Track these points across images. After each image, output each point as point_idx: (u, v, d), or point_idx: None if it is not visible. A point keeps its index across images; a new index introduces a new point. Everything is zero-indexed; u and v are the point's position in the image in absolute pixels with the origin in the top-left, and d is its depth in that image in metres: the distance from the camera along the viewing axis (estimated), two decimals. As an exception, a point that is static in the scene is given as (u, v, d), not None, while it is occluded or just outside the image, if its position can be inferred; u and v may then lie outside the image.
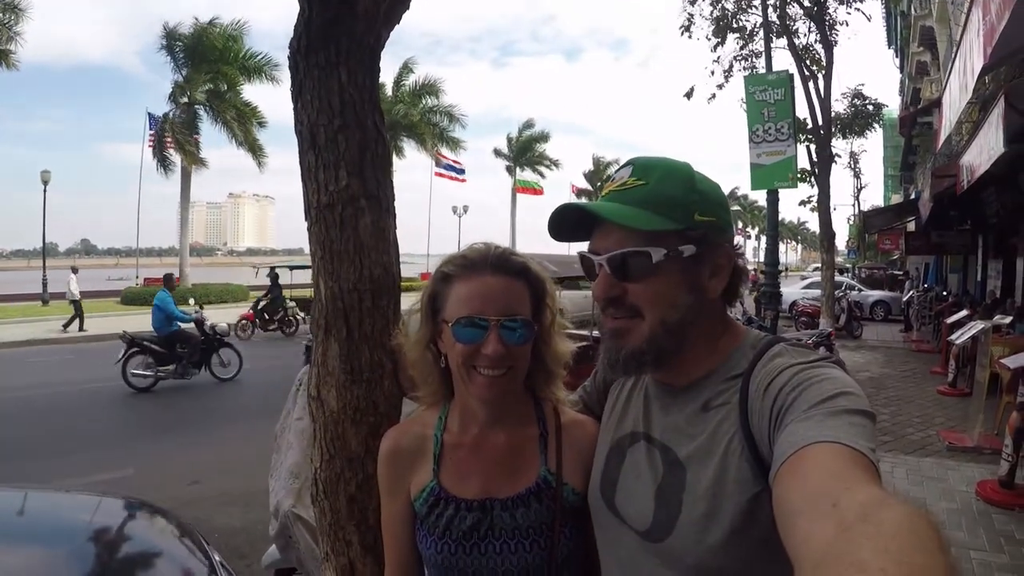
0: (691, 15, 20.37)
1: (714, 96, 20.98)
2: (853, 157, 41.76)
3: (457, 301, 1.43)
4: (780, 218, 19.71)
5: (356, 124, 1.67)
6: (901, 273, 36.08)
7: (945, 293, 22.06)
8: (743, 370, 1.24)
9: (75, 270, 23.57)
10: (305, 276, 20.54)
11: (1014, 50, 5.51)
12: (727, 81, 20.79)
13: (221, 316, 24.88)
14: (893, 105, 38.57)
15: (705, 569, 1.17)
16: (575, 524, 1.50)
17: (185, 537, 3.08)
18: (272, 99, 34.25)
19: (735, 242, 1.35)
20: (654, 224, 1.22)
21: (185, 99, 32.10)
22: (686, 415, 1.29)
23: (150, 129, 32.72)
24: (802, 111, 19.24)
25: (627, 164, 1.33)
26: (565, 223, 1.36)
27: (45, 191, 30.87)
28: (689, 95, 21.30)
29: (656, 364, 1.29)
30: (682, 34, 20.54)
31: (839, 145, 23.76)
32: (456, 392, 1.53)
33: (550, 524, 1.46)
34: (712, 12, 20.17)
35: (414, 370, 1.57)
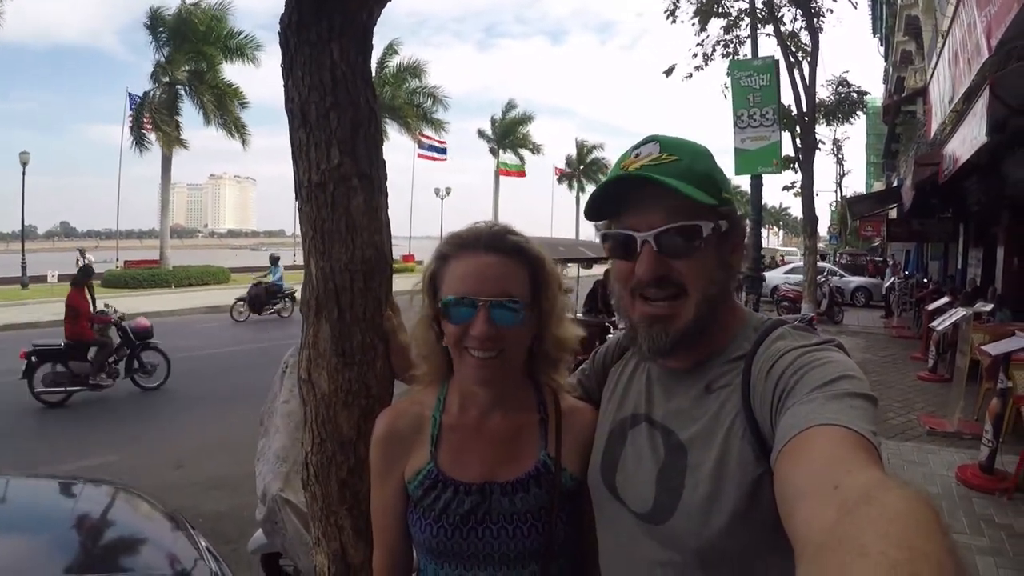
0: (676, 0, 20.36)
1: (691, 76, 21.06)
2: (836, 144, 42.03)
3: (451, 280, 1.41)
4: (763, 203, 19.76)
5: (348, 102, 1.64)
6: (880, 260, 36.30)
7: (926, 280, 22.22)
8: (745, 352, 1.24)
9: (82, 252, 23.29)
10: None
11: (1020, 33, 5.53)
12: (707, 64, 20.86)
13: (203, 298, 24.80)
14: (877, 93, 38.75)
15: (707, 552, 1.17)
16: (571, 509, 1.49)
17: (171, 522, 3.06)
18: (253, 80, 34.00)
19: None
20: (704, 197, 1.20)
21: (167, 79, 31.72)
22: (689, 397, 1.29)
23: (130, 110, 32.32)
24: (787, 97, 19.32)
25: (650, 140, 1.29)
26: (599, 199, 1.32)
27: (24, 173, 30.49)
28: (668, 72, 21.32)
29: (697, 341, 1.28)
30: (667, 18, 20.55)
31: (823, 132, 23.86)
32: (455, 372, 1.51)
33: (548, 509, 1.45)
34: (697, -3, 20.18)
35: (416, 346, 1.55)
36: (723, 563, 1.17)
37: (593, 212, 1.35)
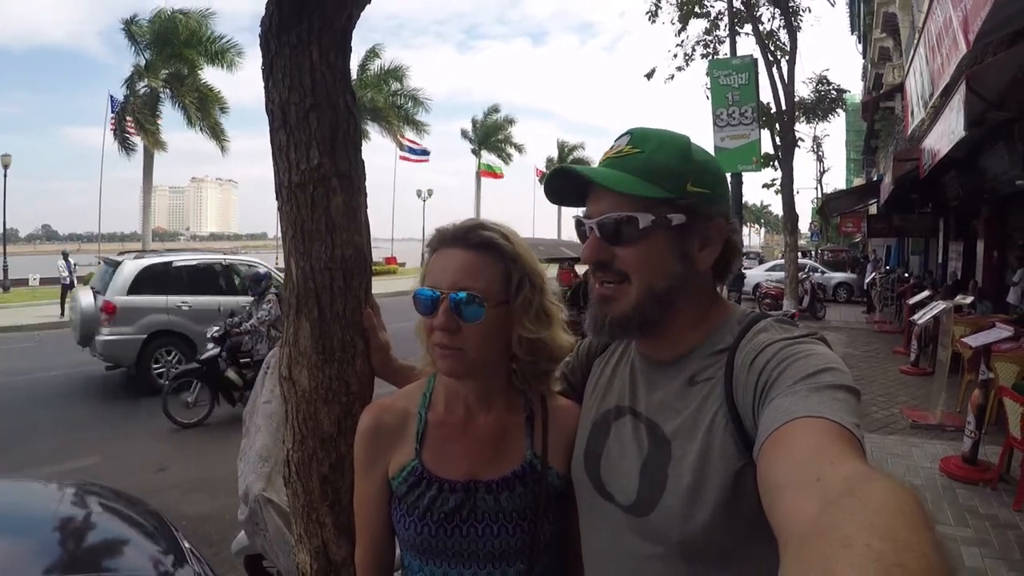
0: (658, 0, 20.47)
1: (672, 77, 21.27)
2: (816, 141, 42.29)
3: (425, 274, 1.45)
4: (743, 201, 19.86)
5: (328, 103, 1.65)
6: (862, 257, 36.57)
7: (907, 275, 22.37)
8: (728, 345, 1.25)
9: (66, 255, 23.23)
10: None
11: (995, 26, 5.57)
12: (688, 65, 20.98)
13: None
14: (856, 90, 39.06)
15: (689, 545, 1.18)
16: (558, 508, 1.49)
17: (154, 524, 3.05)
18: (234, 82, 33.79)
19: (729, 217, 1.35)
20: (644, 191, 1.23)
21: (144, 84, 31.43)
22: (672, 390, 1.29)
23: (112, 112, 32.04)
24: (766, 96, 19.44)
25: (626, 133, 1.33)
26: (560, 187, 1.37)
27: (5, 176, 30.26)
28: (650, 76, 21.47)
29: (640, 331, 1.31)
30: (651, 20, 20.64)
31: (802, 129, 24.03)
32: None
33: (533, 508, 1.45)
34: (677, -3, 20.28)
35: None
36: (706, 555, 1.17)
37: (560, 198, 1.41)
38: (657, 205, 1.24)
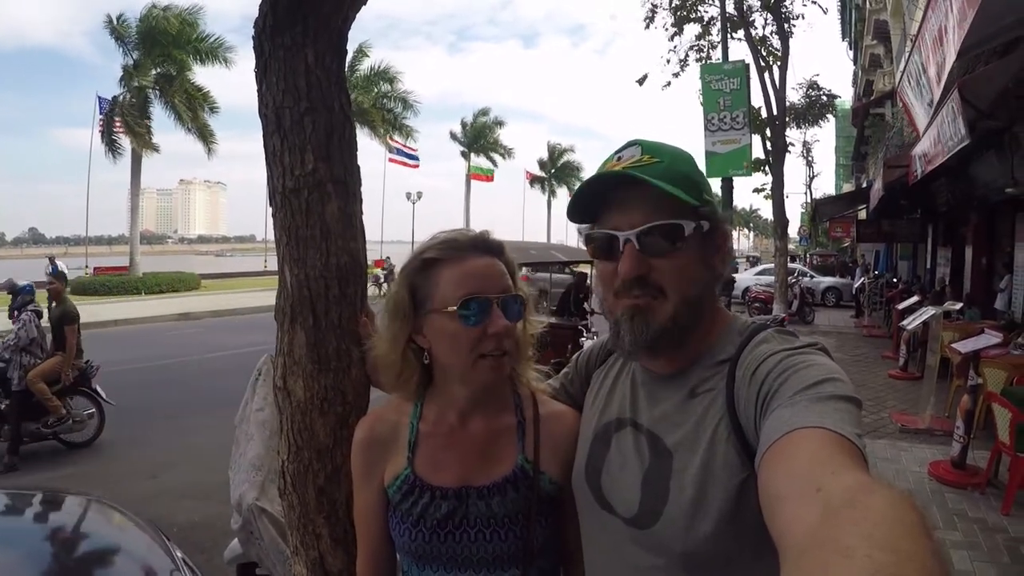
0: (654, 6, 20.57)
1: (669, 84, 21.31)
2: (806, 146, 42.45)
3: (451, 284, 1.39)
4: (733, 205, 19.96)
5: (323, 107, 1.63)
6: (851, 261, 36.78)
7: (895, 280, 22.48)
8: (730, 356, 1.24)
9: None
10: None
11: (979, 40, 5.61)
12: (683, 70, 21.07)
13: (174, 305, 24.50)
14: (846, 96, 39.30)
15: (692, 556, 1.16)
16: (551, 512, 1.49)
17: (145, 533, 3.02)
18: (223, 84, 33.67)
19: (730, 224, 1.35)
20: (686, 197, 1.21)
21: (135, 83, 31.29)
22: (673, 402, 1.28)
23: (100, 113, 31.88)
24: (757, 100, 19.52)
25: (632, 144, 1.30)
26: (588, 199, 1.32)
27: (-10, 179, 30.12)
28: (641, 82, 21.55)
29: (679, 342, 1.27)
30: (647, 27, 20.73)
31: (793, 134, 24.16)
32: (437, 382, 1.51)
33: (526, 513, 1.45)
34: (672, 2, 20.36)
35: (388, 372, 1.52)
36: (708, 567, 1.16)
37: (576, 213, 1.36)
38: (691, 212, 1.23)
